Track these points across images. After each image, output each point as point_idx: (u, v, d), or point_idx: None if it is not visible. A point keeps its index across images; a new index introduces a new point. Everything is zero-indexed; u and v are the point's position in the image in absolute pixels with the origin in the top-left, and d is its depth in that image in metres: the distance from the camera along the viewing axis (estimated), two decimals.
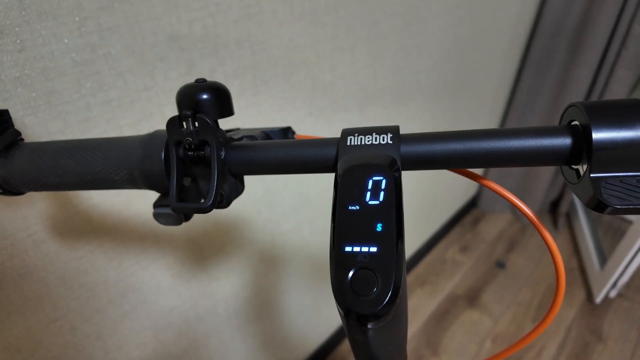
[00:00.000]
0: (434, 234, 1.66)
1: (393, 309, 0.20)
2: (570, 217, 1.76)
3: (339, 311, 0.21)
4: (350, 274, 0.21)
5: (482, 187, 1.85)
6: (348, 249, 0.21)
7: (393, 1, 0.82)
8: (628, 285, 1.43)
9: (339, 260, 0.21)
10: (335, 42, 0.74)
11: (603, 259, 1.42)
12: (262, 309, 0.94)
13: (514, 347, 0.29)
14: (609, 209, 0.21)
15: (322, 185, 0.92)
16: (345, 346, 1.30)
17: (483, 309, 1.42)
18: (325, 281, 1.10)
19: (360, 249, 0.21)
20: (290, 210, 0.87)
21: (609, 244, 1.44)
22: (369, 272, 0.21)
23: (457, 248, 1.68)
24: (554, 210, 1.79)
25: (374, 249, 0.21)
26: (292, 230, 0.90)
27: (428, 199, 1.44)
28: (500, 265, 1.59)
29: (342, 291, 0.21)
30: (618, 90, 1.32)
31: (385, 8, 0.81)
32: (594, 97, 1.40)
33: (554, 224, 1.75)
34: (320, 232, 0.99)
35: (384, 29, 0.83)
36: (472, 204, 1.89)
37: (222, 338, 0.87)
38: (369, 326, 0.20)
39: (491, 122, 1.60)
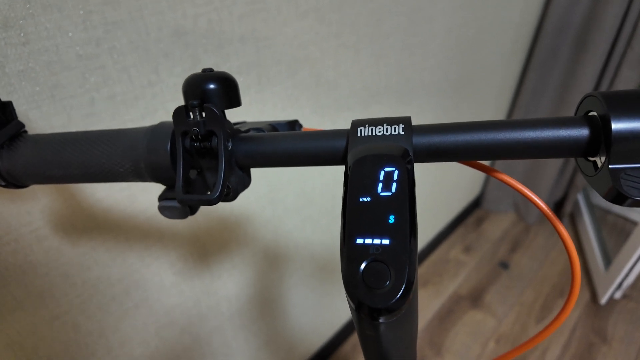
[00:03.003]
0: (438, 234, 1.65)
1: (406, 303, 0.20)
2: (575, 217, 1.75)
3: (349, 305, 0.21)
4: (362, 266, 0.20)
5: (486, 186, 1.84)
6: (360, 241, 0.21)
7: (398, 0, 0.81)
8: (633, 286, 1.42)
9: (350, 253, 0.21)
10: (340, 40, 0.74)
11: (608, 260, 1.41)
12: (265, 307, 0.94)
13: (526, 345, 0.28)
14: (629, 201, 0.20)
15: (326, 183, 0.91)
16: (349, 346, 1.30)
17: (486, 310, 1.41)
18: (329, 280, 1.10)
19: (372, 241, 0.21)
20: (293, 208, 0.86)
21: (613, 245, 1.43)
22: (381, 264, 0.20)
23: (461, 248, 1.68)
24: (558, 211, 1.78)
25: (386, 241, 0.20)
26: (295, 228, 0.90)
27: (431, 198, 1.44)
28: (504, 265, 1.59)
29: (354, 284, 0.20)
30: None
31: (390, 7, 0.80)
32: None
33: None
34: (323, 230, 0.99)
35: (388, 27, 0.83)
36: (475, 204, 1.88)
37: (225, 336, 0.87)
38: (381, 320, 0.20)
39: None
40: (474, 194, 1.85)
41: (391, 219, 0.21)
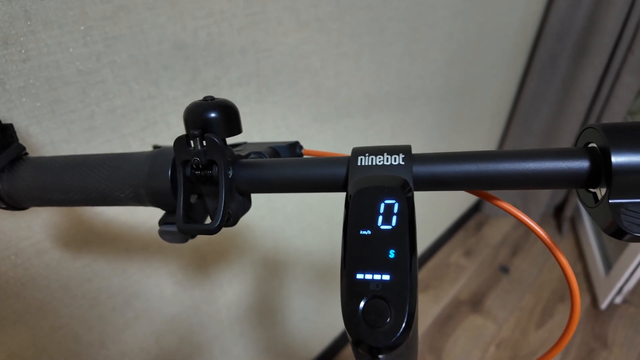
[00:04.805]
0: (438, 238, 1.65)
1: (406, 340, 0.19)
2: (575, 221, 1.75)
3: (349, 339, 0.21)
4: (362, 303, 0.20)
5: None
6: (360, 276, 0.21)
7: (399, 8, 0.81)
8: (633, 291, 1.41)
9: (350, 288, 0.21)
10: (341, 49, 0.74)
11: (608, 265, 1.41)
12: (265, 315, 0.94)
13: None
14: (628, 236, 0.20)
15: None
16: (348, 351, 1.30)
17: (487, 314, 1.41)
18: (328, 287, 1.10)
19: (373, 277, 0.21)
20: (293, 217, 0.86)
21: (614, 250, 1.43)
22: (381, 301, 0.20)
23: (461, 252, 1.67)
24: (559, 215, 1.78)
25: (386, 277, 0.20)
26: (295, 236, 0.90)
27: (432, 202, 1.44)
28: (504, 270, 1.58)
29: (354, 321, 0.20)
30: (623, 96, 1.31)
31: (391, 14, 0.80)
32: (599, 103, 1.39)
33: (559, 229, 1.74)
34: (323, 238, 0.99)
35: (389, 35, 0.83)
36: (476, 208, 1.88)
37: (225, 344, 0.87)
38: (381, 357, 0.20)
39: (495, 126, 1.59)
40: (474, 198, 1.85)
41: (391, 254, 0.21)
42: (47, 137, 0.46)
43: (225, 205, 0.25)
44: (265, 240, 0.83)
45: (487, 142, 1.60)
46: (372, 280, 0.20)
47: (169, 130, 0.56)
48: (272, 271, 0.89)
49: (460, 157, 0.24)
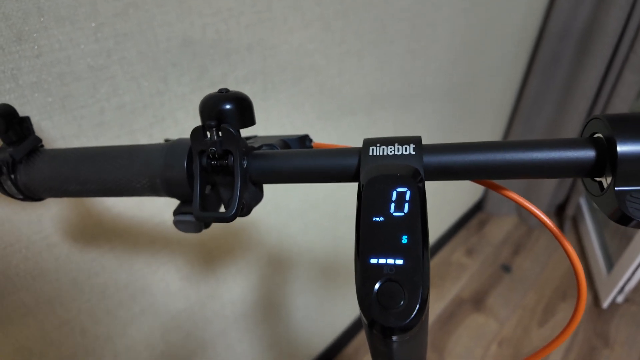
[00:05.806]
0: (440, 237, 1.66)
1: (419, 322, 0.20)
2: (577, 220, 1.75)
3: (363, 322, 0.21)
4: (377, 286, 0.21)
5: (488, 190, 1.85)
6: (374, 260, 0.21)
7: (401, 6, 0.82)
8: (635, 290, 1.42)
9: (364, 272, 0.21)
10: (344, 47, 0.75)
11: (610, 264, 1.41)
12: (269, 311, 0.95)
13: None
14: (633, 222, 0.21)
15: (329, 188, 0.92)
16: (351, 349, 1.30)
17: (489, 313, 1.42)
18: (332, 283, 1.11)
19: (386, 261, 0.21)
20: (297, 213, 0.87)
21: (615, 249, 1.43)
22: (395, 284, 0.21)
23: (463, 251, 1.68)
24: (560, 214, 1.79)
25: (400, 262, 0.21)
26: (299, 232, 0.90)
27: (434, 201, 1.44)
28: (506, 268, 1.59)
29: (369, 303, 0.21)
30: (625, 95, 1.31)
31: (394, 13, 0.81)
32: (601, 101, 1.39)
33: (560, 228, 1.74)
34: (327, 234, 0.99)
35: (392, 33, 0.83)
36: (477, 207, 1.88)
37: (229, 340, 0.87)
38: (394, 339, 0.21)
39: (497, 124, 1.60)
40: (476, 197, 1.85)
41: (404, 239, 0.22)
42: (58, 132, 0.47)
43: (240, 194, 0.26)
44: (270, 237, 0.84)
45: (489, 140, 1.60)
46: (386, 264, 0.21)
47: (176, 126, 0.57)
48: (276, 267, 0.90)
49: (469, 147, 0.25)
